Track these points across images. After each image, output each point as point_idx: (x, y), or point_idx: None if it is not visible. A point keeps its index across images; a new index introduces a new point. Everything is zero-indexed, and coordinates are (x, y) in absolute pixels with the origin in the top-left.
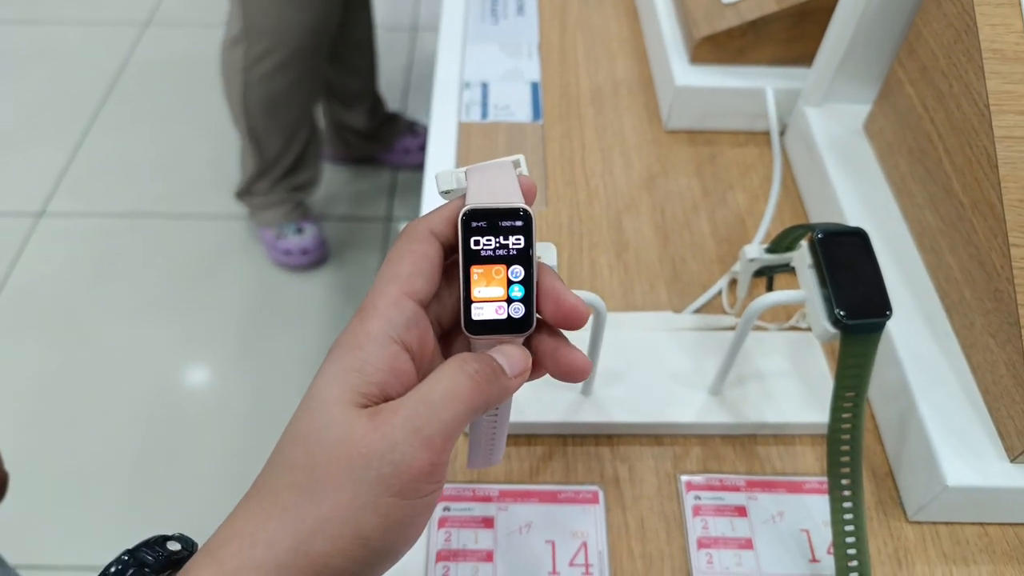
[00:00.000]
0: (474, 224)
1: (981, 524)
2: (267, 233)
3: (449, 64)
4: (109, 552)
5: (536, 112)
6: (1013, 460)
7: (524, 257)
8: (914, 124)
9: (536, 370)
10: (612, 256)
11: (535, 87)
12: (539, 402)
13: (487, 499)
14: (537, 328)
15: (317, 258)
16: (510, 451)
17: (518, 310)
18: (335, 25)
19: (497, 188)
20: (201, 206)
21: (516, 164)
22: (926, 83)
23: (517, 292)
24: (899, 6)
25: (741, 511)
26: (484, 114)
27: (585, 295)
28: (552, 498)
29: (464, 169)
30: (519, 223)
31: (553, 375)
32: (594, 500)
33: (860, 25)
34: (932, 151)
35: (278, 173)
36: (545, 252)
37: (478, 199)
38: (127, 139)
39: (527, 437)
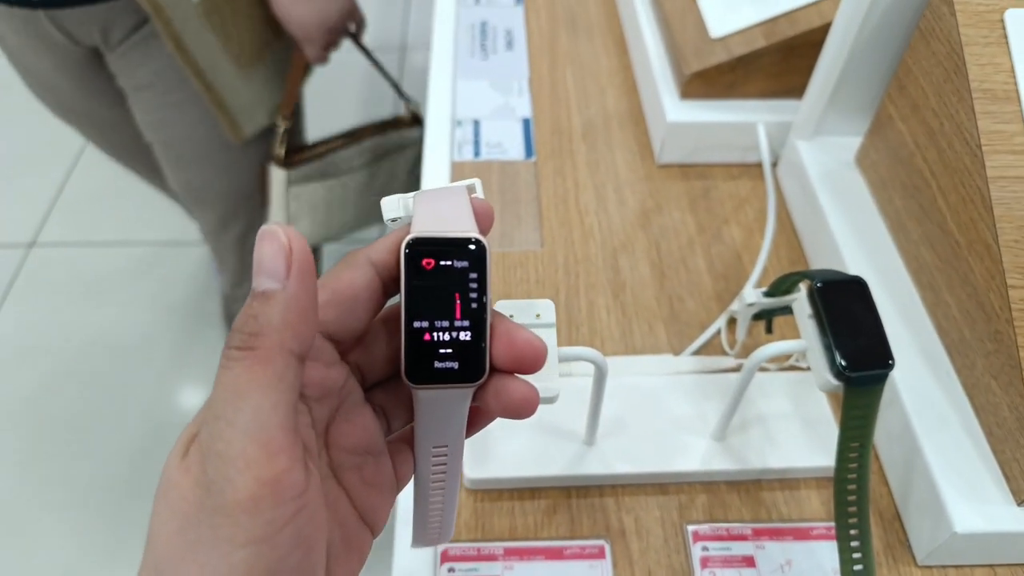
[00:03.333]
0: (419, 255)
1: (991, 566)
2: None
3: (440, 102)
4: None
5: (528, 149)
6: (1021, 504)
7: (476, 294)
8: (907, 160)
9: (479, 419)
10: (609, 297)
11: (527, 123)
12: (541, 454)
13: (492, 558)
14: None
15: None
16: (513, 505)
17: (468, 355)
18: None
19: (447, 215)
20: (192, 233)
21: (471, 189)
22: (917, 120)
23: (467, 335)
24: (887, 43)
25: (749, 561)
26: (476, 152)
27: (585, 351)
28: (558, 554)
29: (412, 194)
30: (471, 255)
31: (499, 414)
32: (600, 555)
33: (849, 61)
34: (926, 188)
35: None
36: (544, 311)
37: (424, 227)
38: (116, 167)
39: (531, 491)
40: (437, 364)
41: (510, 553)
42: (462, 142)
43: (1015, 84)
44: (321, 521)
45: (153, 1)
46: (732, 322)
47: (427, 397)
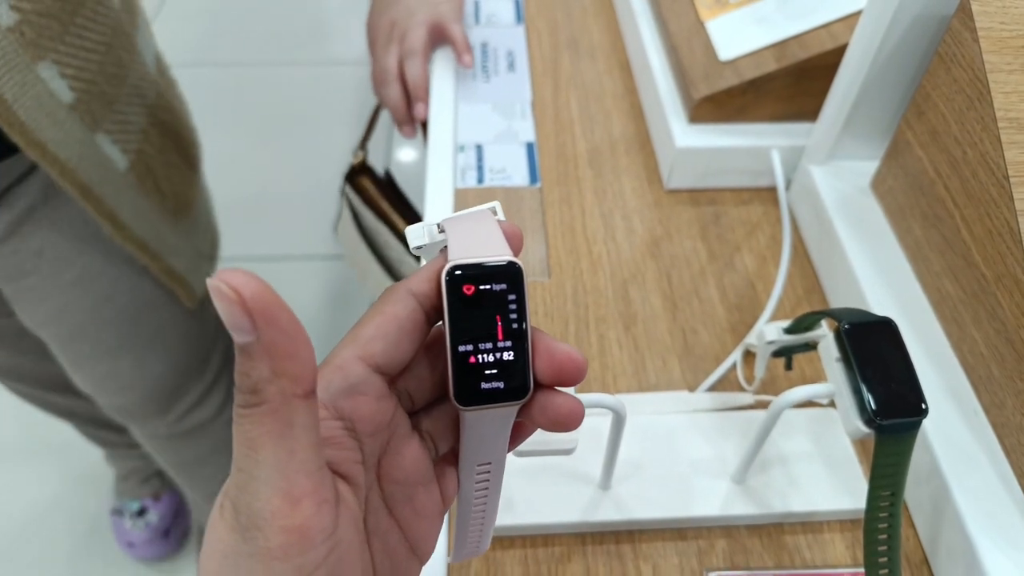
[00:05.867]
0: (459, 282)
1: None
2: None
3: (442, 126)
4: None
5: (533, 175)
6: None
7: (516, 315)
8: (927, 189)
9: (519, 433)
10: (620, 330)
11: (531, 148)
12: (555, 499)
13: None
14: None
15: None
16: (526, 553)
17: (513, 374)
18: None
19: (480, 240)
20: None
21: (493, 212)
22: (937, 148)
23: (510, 354)
24: (905, 67)
25: None
26: (480, 179)
27: (603, 399)
28: None
29: (438, 221)
30: (509, 277)
31: (546, 427)
32: None
33: (865, 85)
34: (948, 218)
35: None
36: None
37: (461, 254)
38: None
39: (543, 537)
40: (484, 385)
41: None
42: (465, 168)
43: None
44: (355, 556)
45: (77, 181)
46: (748, 355)
47: (475, 418)
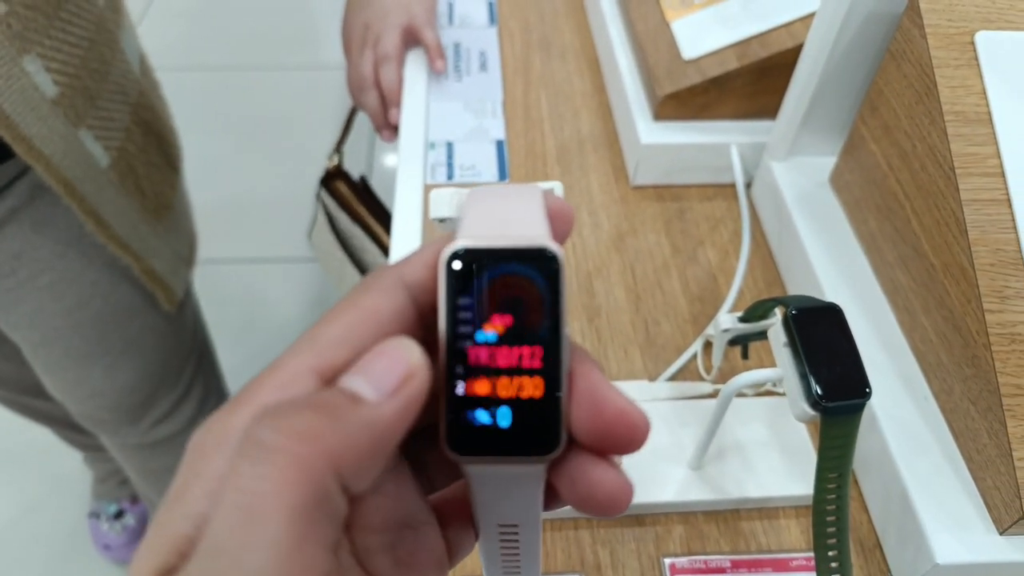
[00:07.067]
0: (466, 273)
1: None
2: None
3: (413, 124)
4: None
5: (502, 172)
6: (1002, 532)
7: (548, 329)
8: (880, 182)
9: (551, 501)
10: (584, 322)
11: (500, 145)
12: None
13: None
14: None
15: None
16: None
17: (535, 416)
18: None
19: (510, 217)
20: None
21: (550, 192)
22: (889, 142)
23: (534, 389)
24: (859, 64)
25: None
26: (450, 175)
27: None
28: None
29: (469, 190)
30: (540, 271)
31: (575, 506)
32: None
33: (821, 82)
34: (900, 210)
35: None
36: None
37: (477, 233)
38: None
39: None
40: (489, 428)
41: None
42: (435, 164)
43: (987, 106)
44: None
45: (62, 177)
46: (708, 346)
47: (481, 472)
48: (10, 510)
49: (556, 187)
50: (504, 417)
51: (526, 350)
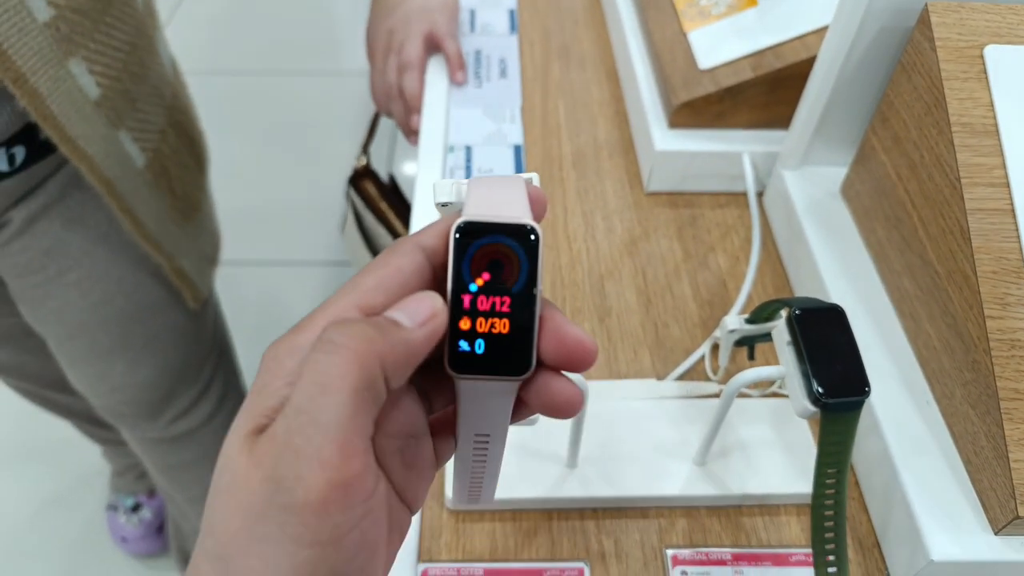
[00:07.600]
0: (469, 240)
1: None
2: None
3: (433, 128)
4: None
5: None
6: (997, 532)
7: (526, 283)
8: (889, 191)
9: (521, 410)
10: (595, 322)
11: (518, 150)
12: (523, 476)
13: None
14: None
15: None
16: (495, 527)
17: (514, 347)
18: None
19: (502, 200)
20: None
21: (528, 182)
22: (899, 152)
23: (515, 325)
24: (871, 76)
25: None
26: (468, 177)
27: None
28: None
29: (467, 180)
30: (524, 244)
31: (539, 411)
32: None
33: (834, 93)
34: (907, 219)
35: None
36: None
37: (477, 211)
38: None
39: (512, 512)
40: (481, 354)
41: (490, 574)
42: (454, 167)
43: (994, 118)
44: (384, 525)
45: (103, 177)
46: (716, 348)
47: (469, 387)
48: (31, 502)
49: (534, 178)
50: (480, 347)
51: (497, 300)
